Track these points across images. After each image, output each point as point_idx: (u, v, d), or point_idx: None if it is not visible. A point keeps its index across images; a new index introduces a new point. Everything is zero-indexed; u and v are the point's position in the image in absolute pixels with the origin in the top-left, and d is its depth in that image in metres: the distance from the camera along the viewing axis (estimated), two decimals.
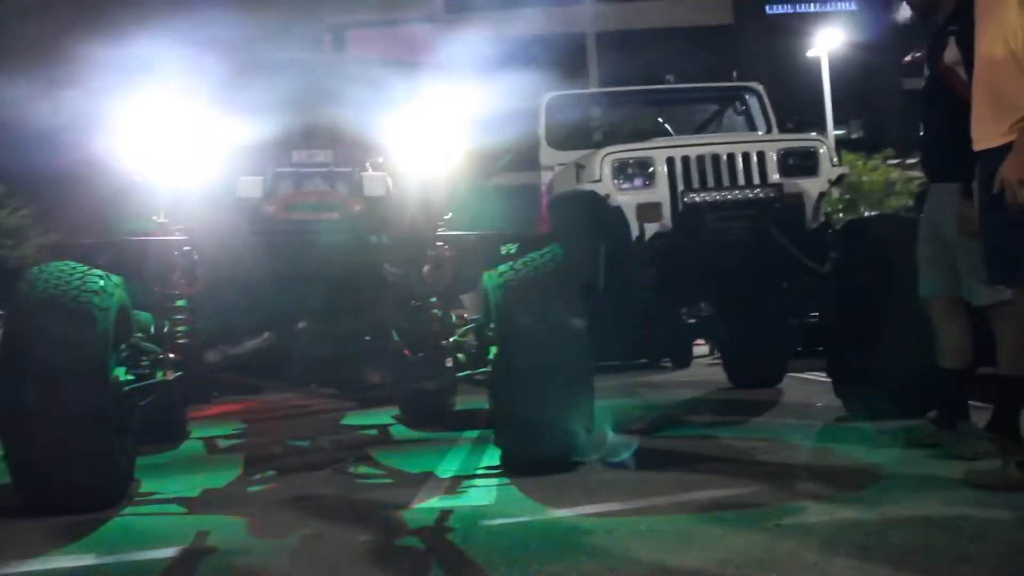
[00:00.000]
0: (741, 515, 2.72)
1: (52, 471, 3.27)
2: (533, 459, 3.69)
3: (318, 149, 3.67)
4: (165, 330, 3.86)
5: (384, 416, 6.61)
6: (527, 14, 34.80)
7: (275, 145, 3.67)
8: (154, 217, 4.04)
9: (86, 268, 3.42)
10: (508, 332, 3.63)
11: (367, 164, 3.73)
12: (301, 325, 3.92)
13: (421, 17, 36.31)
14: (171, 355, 3.70)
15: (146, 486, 3.87)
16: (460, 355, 4.04)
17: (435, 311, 4.08)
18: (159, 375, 3.68)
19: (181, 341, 3.79)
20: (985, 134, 2.88)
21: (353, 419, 6.86)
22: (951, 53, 3.36)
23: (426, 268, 3.63)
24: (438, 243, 3.67)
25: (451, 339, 4.04)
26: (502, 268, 3.79)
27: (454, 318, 4.35)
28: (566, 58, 34.48)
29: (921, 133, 3.73)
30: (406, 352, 4.32)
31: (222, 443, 5.79)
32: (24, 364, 3.20)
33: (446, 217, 4.24)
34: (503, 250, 3.97)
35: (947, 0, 3.46)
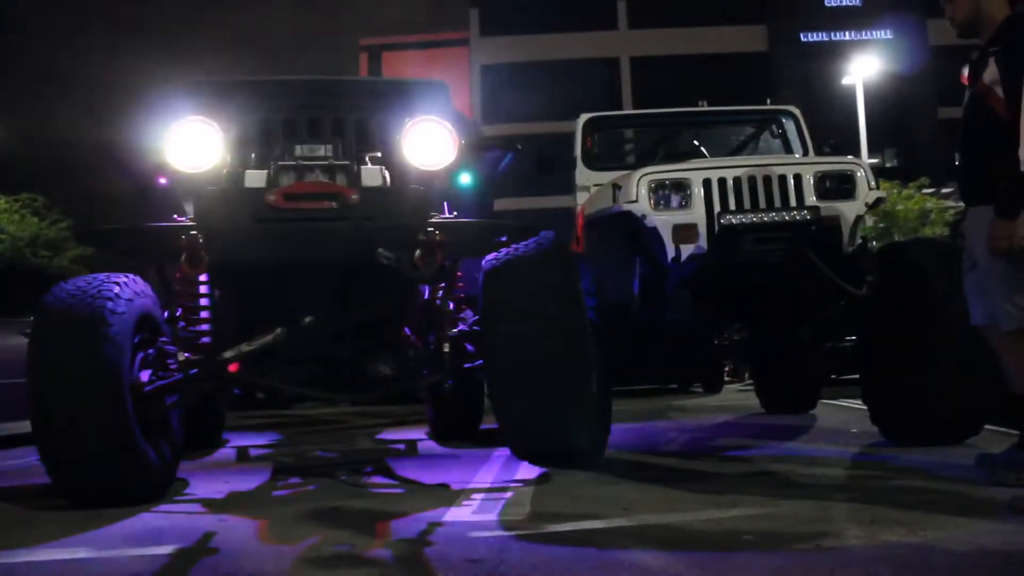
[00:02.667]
0: (779, 535, 2.69)
1: (79, 471, 3.49)
2: (530, 452, 3.85)
3: (319, 144, 3.91)
4: (180, 325, 4.12)
5: (416, 432, 6.65)
6: (562, 39, 35.03)
7: (280, 141, 3.94)
8: (175, 217, 4.21)
9: (105, 277, 3.66)
10: (490, 320, 3.81)
11: (366, 158, 3.96)
12: (308, 320, 4.05)
13: (456, 40, 36.65)
14: (187, 354, 3.93)
15: (177, 488, 4.00)
16: (467, 345, 4.20)
17: (436, 301, 4.19)
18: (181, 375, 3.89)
19: (203, 341, 4.05)
20: None
21: (386, 434, 6.91)
22: (990, 73, 3.41)
23: (418, 253, 3.71)
24: (429, 229, 3.76)
25: (456, 329, 4.17)
26: (490, 256, 3.96)
27: (452, 307, 4.49)
28: (600, 83, 34.65)
29: (959, 155, 3.72)
30: (417, 344, 4.43)
31: (257, 452, 5.87)
32: (45, 369, 3.42)
33: (450, 216, 4.35)
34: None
35: (988, 23, 3.51)
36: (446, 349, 4.08)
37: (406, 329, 4.41)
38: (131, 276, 3.79)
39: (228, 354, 3.99)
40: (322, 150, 3.88)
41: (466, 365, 4.19)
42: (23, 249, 22.09)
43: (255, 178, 3.82)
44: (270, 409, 10.87)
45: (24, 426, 6.10)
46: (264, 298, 4.18)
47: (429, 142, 3.87)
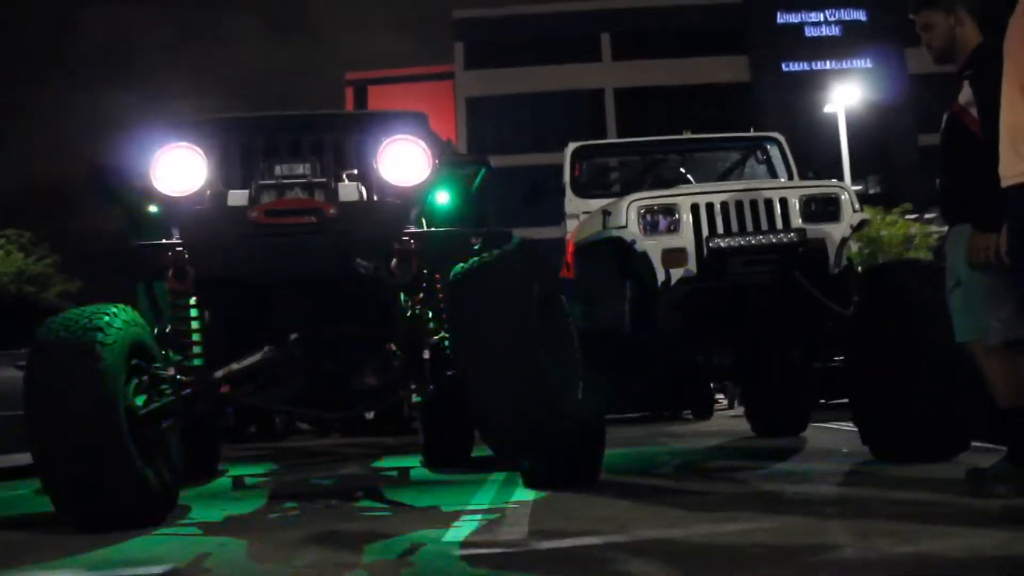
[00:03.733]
0: (774, 548, 2.72)
1: (80, 496, 3.54)
2: (506, 454, 4.01)
3: (298, 164, 4.08)
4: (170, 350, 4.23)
5: (409, 460, 6.66)
6: (546, 71, 35.39)
7: (261, 161, 4.11)
8: (164, 241, 4.30)
9: (94, 310, 3.74)
10: (455, 323, 3.90)
11: (343, 175, 4.13)
12: (294, 337, 4.11)
13: (441, 74, 36.97)
14: (178, 376, 4.03)
15: (176, 513, 4.01)
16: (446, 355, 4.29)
17: (414, 310, 4.36)
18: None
19: (195, 362, 4.15)
20: (1012, 171, 3.00)
21: (379, 462, 6.92)
22: (964, 95, 3.55)
23: (394, 262, 3.82)
24: (404, 238, 3.88)
25: (436, 337, 4.31)
26: (458, 266, 4.02)
27: (430, 315, 4.58)
28: (584, 114, 34.97)
29: (939, 178, 3.83)
30: (401, 355, 4.48)
31: (253, 480, 5.89)
32: (42, 398, 3.50)
33: (428, 229, 4.46)
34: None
35: (961, 50, 3.65)
36: (426, 356, 4.20)
37: (391, 345, 4.46)
38: (121, 306, 3.87)
39: (219, 374, 4.07)
40: (301, 169, 4.06)
41: (448, 372, 4.25)
42: (8, 285, 22.01)
43: (237, 197, 3.98)
44: (262, 442, 10.85)
45: (20, 458, 6.12)
46: (251, 317, 4.25)
47: (404, 160, 4.04)
